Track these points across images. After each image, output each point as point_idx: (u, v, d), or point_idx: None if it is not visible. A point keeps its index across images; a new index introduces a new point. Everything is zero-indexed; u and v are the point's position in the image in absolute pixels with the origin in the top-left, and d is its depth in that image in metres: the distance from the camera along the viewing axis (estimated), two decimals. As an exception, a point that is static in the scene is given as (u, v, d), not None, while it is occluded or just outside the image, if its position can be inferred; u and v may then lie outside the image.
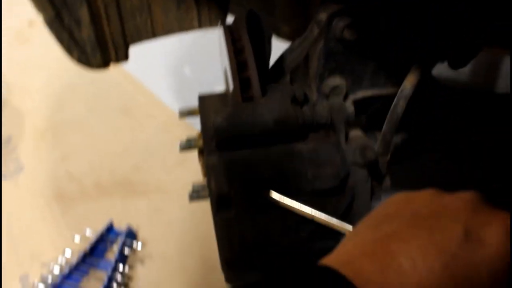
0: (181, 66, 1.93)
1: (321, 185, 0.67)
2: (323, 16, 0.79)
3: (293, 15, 1.28)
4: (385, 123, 0.74)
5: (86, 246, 1.42)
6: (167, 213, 1.50)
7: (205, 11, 1.27)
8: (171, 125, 1.72)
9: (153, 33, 1.27)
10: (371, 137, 1.03)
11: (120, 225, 1.49)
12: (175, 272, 1.39)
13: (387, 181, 0.80)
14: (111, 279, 1.34)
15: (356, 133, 0.74)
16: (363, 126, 1.00)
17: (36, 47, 2.12)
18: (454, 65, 1.12)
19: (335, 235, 0.73)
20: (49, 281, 1.36)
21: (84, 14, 1.10)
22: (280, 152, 0.67)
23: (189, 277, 1.37)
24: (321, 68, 0.83)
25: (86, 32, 1.14)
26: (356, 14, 0.79)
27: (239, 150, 0.68)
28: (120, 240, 1.43)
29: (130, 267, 1.41)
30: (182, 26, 1.28)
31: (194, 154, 0.85)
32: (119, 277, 1.36)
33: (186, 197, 0.88)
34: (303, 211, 0.66)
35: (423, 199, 0.52)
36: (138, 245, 1.44)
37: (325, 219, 0.67)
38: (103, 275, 1.37)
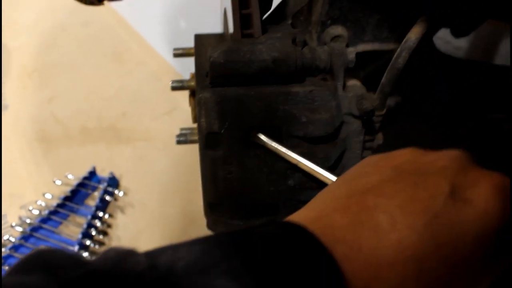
0: (176, 17, 1.87)
1: (314, 131, 0.65)
2: (331, -40, 0.76)
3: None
4: (385, 74, 0.72)
5: (67, 190, 1.40)
6: (152, 162, 1.48)
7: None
8: (162, 73, 1.68)
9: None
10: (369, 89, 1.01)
11: (103, 172, 1.46)
12: (155, 222, 1.37)
13: (380, 138, 0.78)
14: (90, 225, 1.33)
15: (354, 82, 0.72)
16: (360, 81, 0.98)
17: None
18: (456, 33, 1.09)
19: (320, 186, 0.72)
20: (27, 223, 1.34)
21: None
22: (276, 92, 0.64)
23: (169, 228, 1.36)
24: (324, 16, 0.80)
25: (83, -34, 1.09)
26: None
27: (233, 87, 0.65)
28: (101, 187, 1.41)
29: (110, 215, 1.39)
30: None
31: (183, 104, 0.82)
32: (98, 224, 1.34)
33: (172, 146, 0.86)
34: (288, 156, 0.64)
35: (406, 156, 0.47)
36: (119, 193, 1.42)
37: (310, 166, 0.64)
38: (82, 221, 1.36)
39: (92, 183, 1.44)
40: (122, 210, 1.41)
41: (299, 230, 0.37)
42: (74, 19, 1.87)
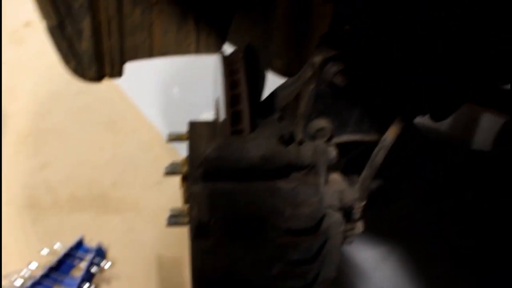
0: (170, 86, 1.95)
1: (297, 224, 0.68)
2: (317, 59, 0.82)
3: (288, 50, 1.31)
4: (364, 169, 0.76)
5: (53, 260, 1.39)
6: (140, 233, 1.49)
7: (203, 37, 1.30)
8: (154, 144, 1.72)
9: (150, 53, 1.29)
10: (349, 180, 1.06)
11: (91, 242, 1.47)
12: (141, 296, 1.37)
13: (360, 226, 0.81)
14: (74, 297, 1.31)
15: (335, 177, 0.76)
16: (343, 168, 1.03)
17: (29, 49, 2.12)
18: (435, 118, 1.16)
19: (305, 275, 0.74)
20: (9, 294, 1.32)
21: (86, 25, 1.12)
22: (262, 187, 0.68)
23: (154, 302, 1.35)
24: (310, 109, 0.86)
25: (85, 44, 1.15)
26: (349, 61, 0.82)
27: (223, 181, 0.69)
28: (88, 257, 1.41)
29: (96, 287, 1.38)
30: (179, 49, 1.30)
31: (173, 176, 0.86)
32: (83, 296, 1.33)
33: (161, 218, 0.88)
34: None
35: None
36: (106, 264, 1.42)
37: None
38: (67, 293, 1.34)
39: (79, 253, 1.44)
40: (108, 282, 1.40)
41: None
42: (70, 87, 1.93)
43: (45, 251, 1.42)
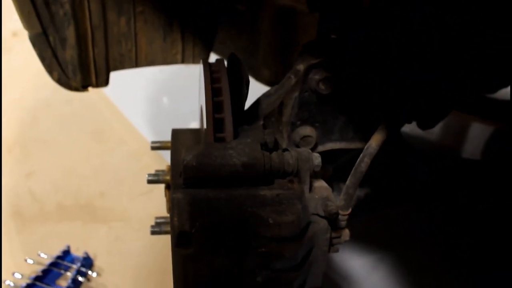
0: (159, 96, 1.94)
1: (280, 232, 0.68)
2: (301, 67, 0.83)
3: (275, 60, 1.32)
4: (349, 177, 0.76)
5: (38, 270, 1.38)
6: (127, 243, 1.48)
7: (189, 47, 1.30)
8: (142, 153, 1.72)
9: (136, 62, 1.28)
10: (336, 188, 1.06)
11: (77, 251, 1.45)
12: (128, 306, 1.35)
13: (346, 234, 0.81)
14: (59, 308, 1.30)
15: (320, 184, 0.75)
16: (330, 176, 1.03)
17: (17, 58, 2.11)
18: (422, 126, 1.16)
19: (290, 283, 0.74)
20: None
21: (70, 34, 1.11)
22: (244, 195, 0.68)
23: (141, 312, 1.34)
24: (294, 117, 0.86)
25: (69, 53, 1.15)
26: (332, 68, 0.82)
27: (205, 188, 0.68)
28: (75, 267, 1.39)
29: (82, 297, 1.36)
30: (165, 58, 1.30)
31: (161, 186, 0.85)
32: (68, 306, 1.32)
33: (148, 228, 0.88)
34: None
35: None
36: (93, 274, 1.40)
37: None
38: (51, 303, 1.33)
39: (65, 263, 1.42)
40: (94, 292, 1.39)
41: None
42: (58, 96, 1.92)
43: (30, 261, 1.40)
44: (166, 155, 0.88)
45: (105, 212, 1.56)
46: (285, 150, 0.75)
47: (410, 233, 1.53)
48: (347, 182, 0.76)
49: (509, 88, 1.30)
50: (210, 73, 0.79)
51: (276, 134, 0.86)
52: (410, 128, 1.30)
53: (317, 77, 0.81)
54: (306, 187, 0.72)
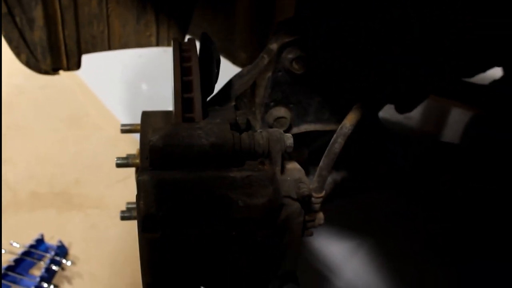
0: (137, 82, 1.90)
1: (251, 214, 0.65)
2: (274, 46, 0.80)
3: (251, 42, 1.29)
4: (322, 159, 0.74)
5: (10, 259, 1.34)
6: (103, 230, 1.45)
7: (164, 29, 1.26)
8: (119, 140, 1.68)
9: (109, 45, 1.25)
10: (312, 173, 1.04)
11: (52, 240, 1.42)
12: (104, 294, 1.33)
13: (321, 217, 0.79)
14: (32, 298, 1.27)
15: (293, 166, 0.73)
16: (305, 160, 1.01)
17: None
18: (400, 110, 1.15)
19: (262, 267, 0.72)
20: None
21: (38, 14, 1.07)
22: (213, 176, 0.65)
23: (117, 300, 1.31)
24: (267, 98, 0.83)
25: (38, 34, 1.11)
26: (307, 47, 0.80)
27: (172, 170, 0.66)
28: (49, 255, 1.36)
29: (56, 286, 1.33)
30: (139, 41, 1.27)
31: (126, 168, 0.82)
32: (41, 296, 1.29)
33: (124, 215, 0.85)
34: None
35: None
36: (67, 263, 1.37)
37: None
38: (24, 293, 1.30)
39: (39, 252, 1.39)
40: (69, 281, 1.36)
41: None
42: (32, 82, 1.87)
43: (2, 250, 1.36)
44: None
45: (80, 200, 1.53)
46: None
47: (389, 219, 1.53)
48: (320, 163, 0.74)
49: (486, 73, 1.30)
50: (180, 52, 0.77)
51: (249, 115, 0.83)
52: (390, 114, 1.29)
53: (290, 56, 0.79)
54: (277, 169, 0.70)
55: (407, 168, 1.14)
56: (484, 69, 1.29)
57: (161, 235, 0.65)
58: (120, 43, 1.25)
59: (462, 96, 1.51)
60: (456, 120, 1.83)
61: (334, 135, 0.75)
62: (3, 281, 1.31)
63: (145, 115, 0.85)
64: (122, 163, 0.82)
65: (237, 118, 0.74)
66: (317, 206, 0.76)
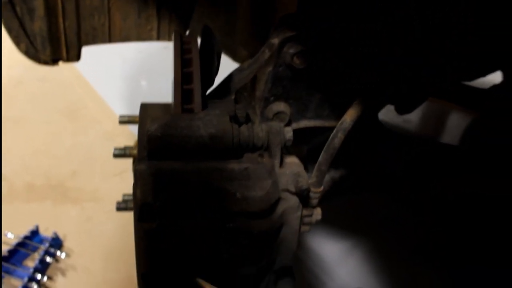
0: (136, 76, 1.90)
1: (248, 207, 0.65)
2: (275, 40, 0.80)
3: (252, 39, 1.29)
4: (321, 153, 0.74)
5: (4, 250, 1.33)
6: (99, 223, 1.44)
7: (165, 23, 1.26)
8: (116, 133, 1.67)
9: (110, 37, 1.24)
10: (310, 170, 1.04)
11: (46, 232, 1.41)
12: (98, 287, 1.32)
13: (318, 213, 0.79)
14: (25, 289, 1.26)
15: (292, 160, 0.73)
16: (304, 157, 1.00)
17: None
18: (400, 110, 1.15)
19: (258, 261, 0.72)
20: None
21: (39, 4, 1.07)
22: (211, 168, 0.65)
23: (111, 294, 1.31)
24: (267, 92, 0.83)
25: (38, 24, 1.10)
26: (308, 42, 0.79)
27: (170, 160, 0.65)
28: (43, 247, 1.36)
29: (49, 278, 1.33)
30: (140, 34, 1.26)
31: (124, 159, 0.82)
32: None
33: (119, 208, 0.85)
34: None
35: None
36: (61, 255, 1.37)
37: None
38: (18, 284, 1.29)
39: (33, 243, 1.38)
40: (63, 273, 1.35)
41: None
42: (31, 73, 1.86)
43: (-4, 241, 1.36)
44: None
45: (76, 193, 1.52)
46: (257, 125, 0.72)
47: (382, 223, 1.53)
48: (320, 158, 0.73)
49: (486, 77, 1.30)
50: (181, 44, 0.76)
51: (249, 109, 0.83)
52: (389, 117, 1.29)
53: (291, 51, 0.78)
54: (276, 162, 0.70)
55: (399, 172, 1.14)
56: (485, 73, 1.29)
57: (157, 225, 0.65)
58: (121, 36, 1.24)
59: (462, 99, 1.51)
60: (455, 124, 1.83)
61: (334, 130, 0.75)
62: (-4, 272, 1.30)
63: (144, 106, 0.85)
64: (120, 154, 0.82)
65: (237, 111, 0.74)
66: (315, 201, 0.76)
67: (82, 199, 1.50)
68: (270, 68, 0.81)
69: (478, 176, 1.18)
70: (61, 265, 1.36)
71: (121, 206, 0.84)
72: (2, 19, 1.06)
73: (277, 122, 0.72)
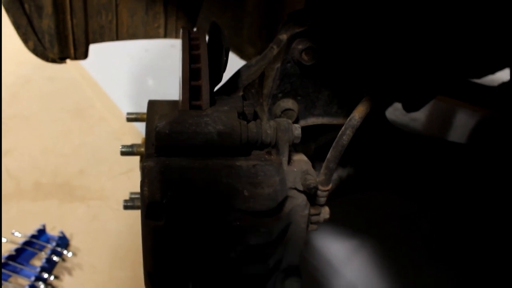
0: (144, 75, 1.90)
1: (255, 205, 0.64)
2: (284, 36, 0.79)
3: (259, 37, 1.28)
4: (330, 151, 0.73)
5: (11, 249, 1.34)
6: (105, 222, 1.44)
7: (172, 21, 1.25)
8: (122, 132, 1.67)
9: (117, 35, 1.24)
10: (318, 169, 1.03)
11: (53, 230, 1.41)
12: (104, 286, 1.32)
13: (326, 212, 0.78)
14: (33, 288, 1.26)
15: (300, 157, 0.72)
16: (311, 155, 1.00)
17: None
18: (407, 108, 1.14)
19: (266, 260, 0.71)
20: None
21: (47, 2, 1.06)
22: (219, 165, 0.64)
23: (117, 293, 1.31)
24: (275, 89, 0.82)
25: (46, 22, 1.10)
26: (317, 38, 0.79)
27: (178, 157, 0.65)
28: (50, 246, 1.35)
29: (56, 277, 1.32)
30: (147, 32, 1.26)
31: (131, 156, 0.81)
32: (42, 287, 1.28)
33: (126, 207, 0.85)
34: None
35: None
36: (68, 254, 1.37)
37: None
38: (25, 283, 1.29)
39: (40, 242, 1.38)
40: (69, 272, 1.35)
41: None
42: (40, 72, 1.87)
43: (3, 240, 1.36)
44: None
45: (83, 191, 1.52)
46: (265, 122, 0.72)
47: (390, 219, 1.51)
48: (328, 155, 0.73)
49: (495, 75, 1.29)
50: (189, 40, 0.76)
51: (256, 106, 0.82)
52: (396, 115, 1.27)
53: (300, 47, 0.78)
54: (284, 160, 0.69)
55: (406, 171, 1.13)
56: (493, 70, 1.28)
57: (164, 223, 0.64)
58: (128, 34, 1.24)
59: (470, 97, 1.50)
60: (462, 122, 1.81)
61: (343, 127, 0.74)
62: (3, 270, 1.30)
63: (151, 103, 0.84)
64: (127, 151, 0.81)
65: (244, 108, 0.73)
66: (323, 199, 0.75)
67: (89, 197, 1.50)
68: (278, 65, 0.80)
69: (485, 172, 1.17)
70: (67, 264, 1.36)
71: (128, 205, 0.84)
72: (11, 16, 1.06)
73: (286, 119, 0.70)
